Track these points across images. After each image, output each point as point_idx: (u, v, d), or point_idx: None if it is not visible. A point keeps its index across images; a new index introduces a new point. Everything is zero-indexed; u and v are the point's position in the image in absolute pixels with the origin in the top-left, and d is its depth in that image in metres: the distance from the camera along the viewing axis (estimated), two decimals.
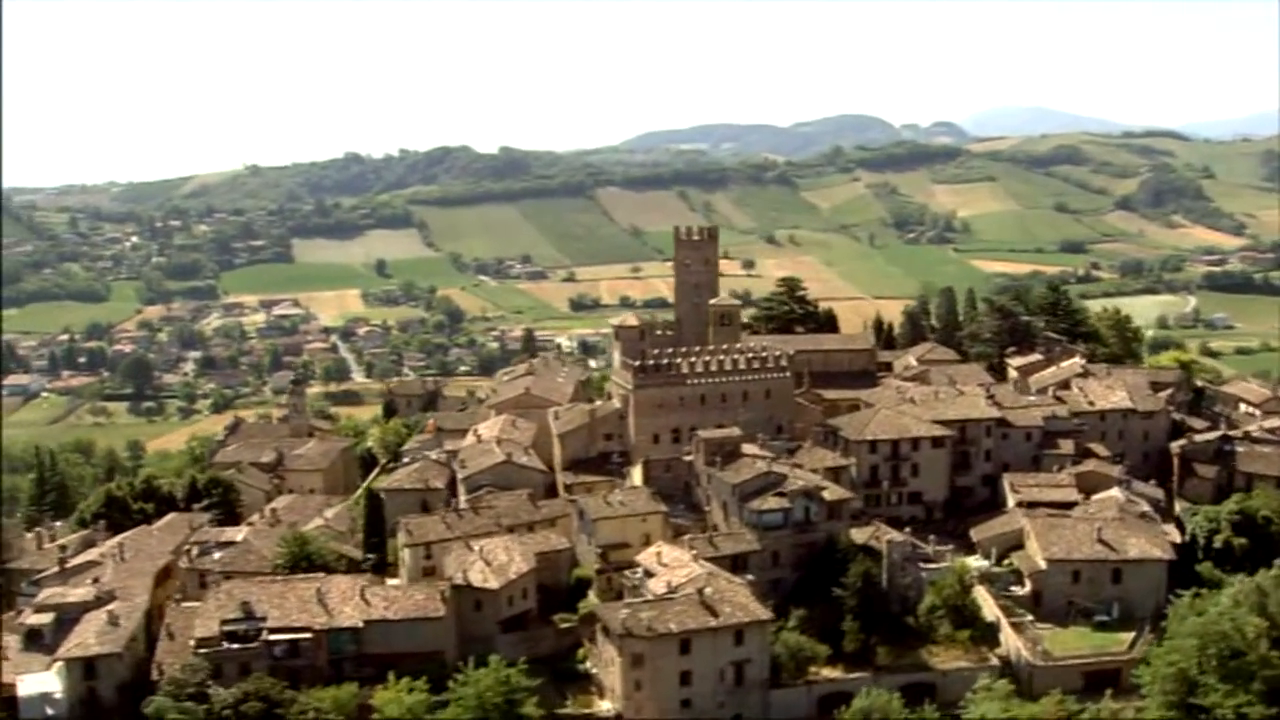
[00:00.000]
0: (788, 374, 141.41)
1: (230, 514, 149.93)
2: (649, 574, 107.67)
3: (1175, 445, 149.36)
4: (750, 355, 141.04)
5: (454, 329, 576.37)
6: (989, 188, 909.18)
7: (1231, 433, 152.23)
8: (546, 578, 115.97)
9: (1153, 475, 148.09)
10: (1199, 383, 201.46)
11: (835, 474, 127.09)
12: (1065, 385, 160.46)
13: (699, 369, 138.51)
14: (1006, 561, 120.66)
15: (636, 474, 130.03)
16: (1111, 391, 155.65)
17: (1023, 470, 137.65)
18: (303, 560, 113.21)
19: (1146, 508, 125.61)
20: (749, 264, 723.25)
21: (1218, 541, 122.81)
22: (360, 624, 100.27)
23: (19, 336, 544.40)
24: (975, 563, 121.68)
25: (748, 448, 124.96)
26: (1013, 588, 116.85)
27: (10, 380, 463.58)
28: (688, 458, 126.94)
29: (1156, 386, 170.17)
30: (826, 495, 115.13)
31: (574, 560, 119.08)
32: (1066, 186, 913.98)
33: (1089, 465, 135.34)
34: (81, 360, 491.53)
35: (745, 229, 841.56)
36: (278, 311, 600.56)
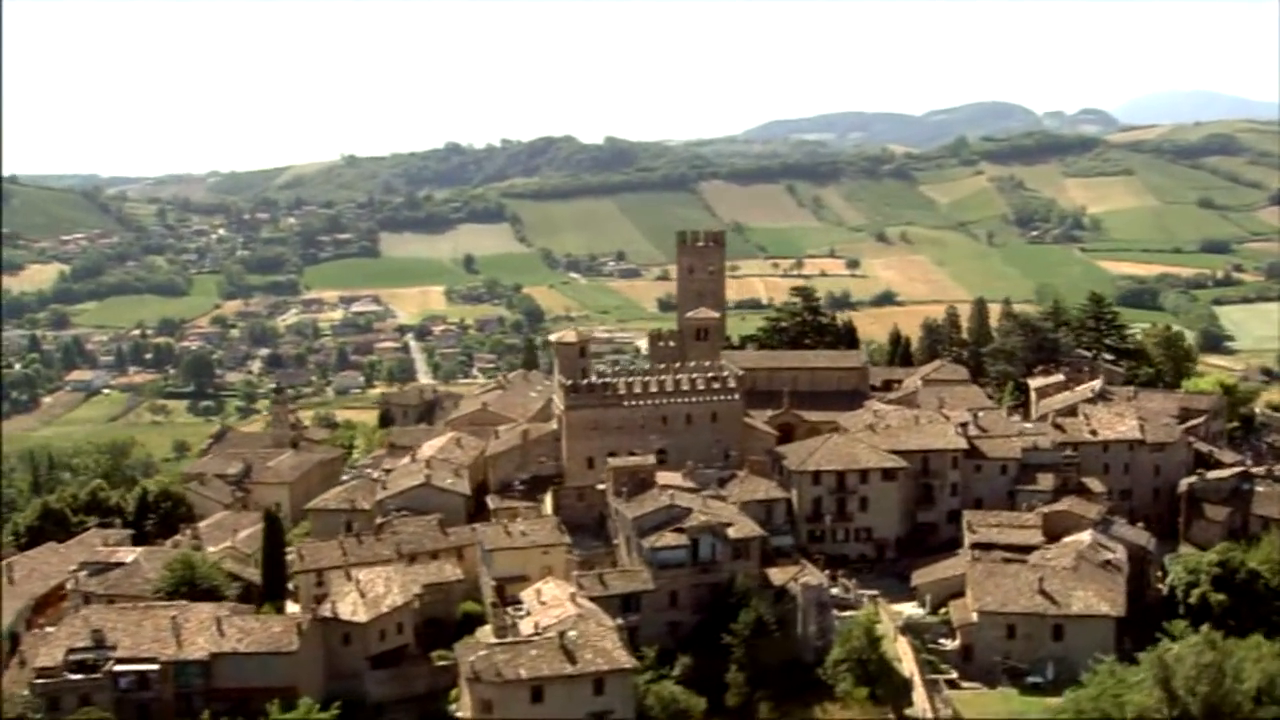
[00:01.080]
0: (736, 396, 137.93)
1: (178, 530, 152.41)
2: (530, 612, 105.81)
3: (1184, 482, 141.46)
4: (694, 375, 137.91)
5: (533, 329, 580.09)
6: (1126, 182, 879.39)
7: (1255, 469, 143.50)
8: (439, 611, 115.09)
9: (1163, 516, 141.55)
10: (1258, 409, 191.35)
11: (768, 507, 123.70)
12: (1073, 411, 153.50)
13: (637, 389, 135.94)
14: (944, 610, 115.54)
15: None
16: (1120, 420, 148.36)
17: (998, 507, 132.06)
18: (184, 585, 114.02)
19: (1114, 555, 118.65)
20: (853, 264, 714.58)
21: (1193, 597, 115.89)
22: (207, 656, 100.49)
23: (91, 331, 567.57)
24: (911, 611, 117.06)
25: (667, 476, 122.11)
26: (942, 641, 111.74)
27: (74, 375, 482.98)
28: (601, 486, 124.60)
29: (1189, 414, 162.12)
30: (732, 532, 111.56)
31: (470, 593, 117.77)
32: (1215, 180, 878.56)
33: (1064, 504, 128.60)
34: (148, 356, 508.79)
35: (855, 225, 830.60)
36: (356, 308, 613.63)
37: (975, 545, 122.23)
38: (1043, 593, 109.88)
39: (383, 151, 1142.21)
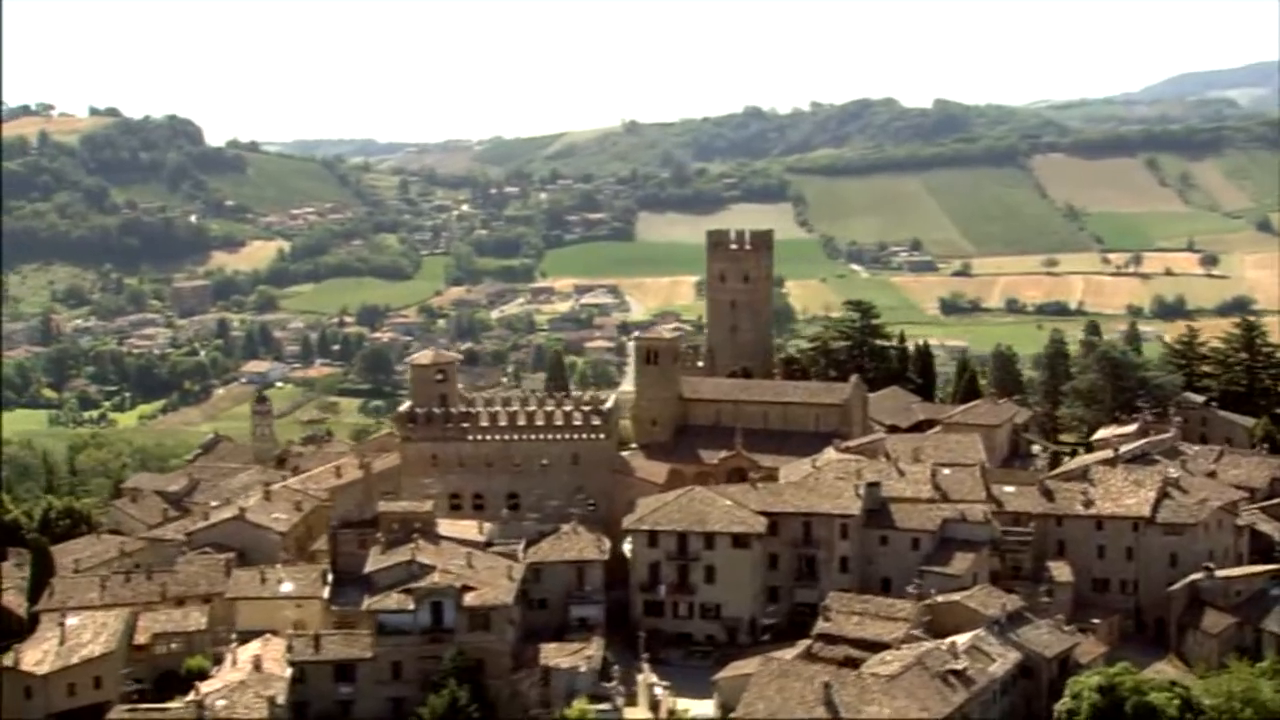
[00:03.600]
0: (603, 435, 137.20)
1: None
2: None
3: (1187, 579, 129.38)
4: (552, 409, 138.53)
5: (783, 329, 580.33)
6: None
7: None
8: (177, 664, 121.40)
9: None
10: None
11: (579, 570, 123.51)
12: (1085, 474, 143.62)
13: (483, 422, 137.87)
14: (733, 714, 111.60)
15: None
16: (1134, 489, 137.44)
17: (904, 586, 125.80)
18: None
19: (989, 664, 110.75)
20: (1210, 260, 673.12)
21: None
22: None
23: (291, 316, 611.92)
24: (702, 710, 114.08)
25: (460, 526, 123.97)
26: None
27: (249, 367, 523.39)
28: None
29: None
30: (472, 598, 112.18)
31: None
32: None
33: (966, 594, 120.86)
34: (335, 347, 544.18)
35: (1235, 210, 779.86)
36: (586, 300, 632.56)
37: (821, 636, 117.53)
38: (827, 704, 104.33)
39: (671, 117, 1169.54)
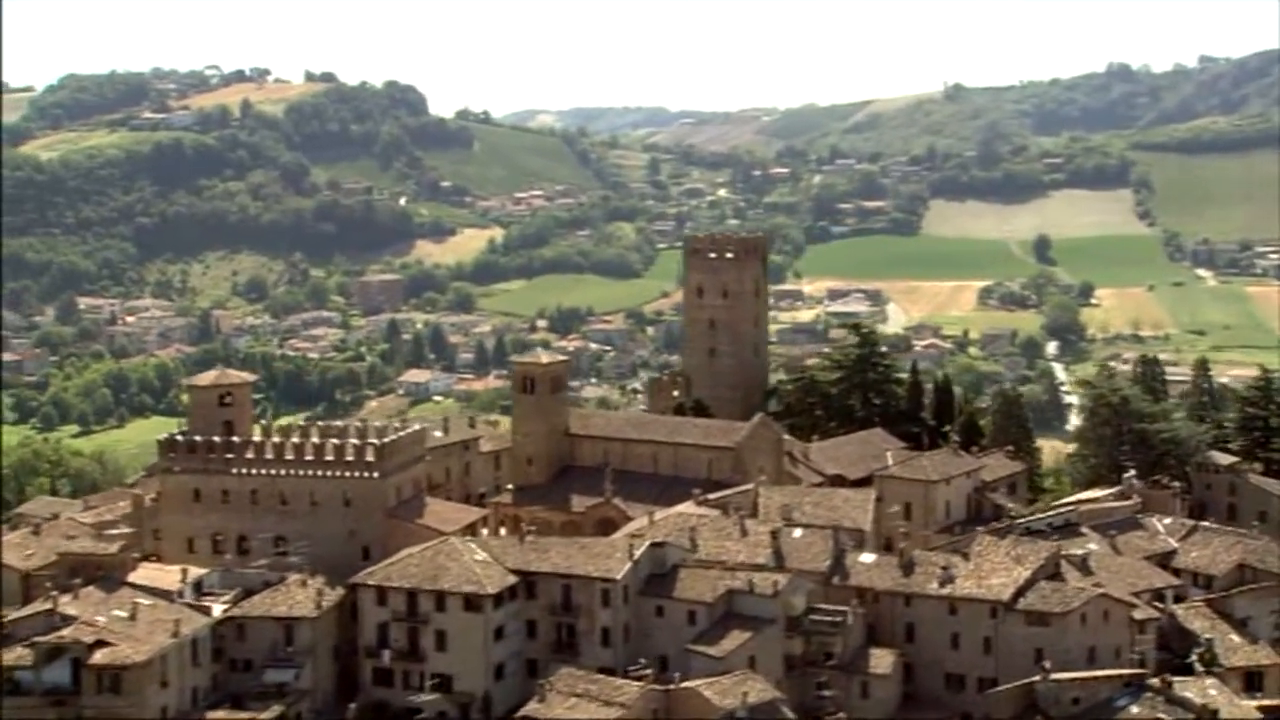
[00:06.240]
0: (376, 474, 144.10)
1: None
2: None
3: (1011, 685, 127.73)
4: (322, 440, 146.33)
5: (1066, 350, 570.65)
6: None
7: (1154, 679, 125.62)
8: None
9: None
10: None
11: (287, 628, 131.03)
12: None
13: (249, 454, 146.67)
14: None
15: None
16: (1010, 567, 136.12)
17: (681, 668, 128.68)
18: None
19: None
20: None
21: None
22: None
23: (483, 318, 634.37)
24: None
25: (157, 572, 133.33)
26: None
27: (409, 376, 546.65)
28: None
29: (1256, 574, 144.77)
30: (99, 657, 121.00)
31: None
32: None
33: (704, 681, 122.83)
34: (510, 357, 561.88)
35: None
36: (836, 307, 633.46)
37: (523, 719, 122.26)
38: None
39: (1006, 79, 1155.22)
